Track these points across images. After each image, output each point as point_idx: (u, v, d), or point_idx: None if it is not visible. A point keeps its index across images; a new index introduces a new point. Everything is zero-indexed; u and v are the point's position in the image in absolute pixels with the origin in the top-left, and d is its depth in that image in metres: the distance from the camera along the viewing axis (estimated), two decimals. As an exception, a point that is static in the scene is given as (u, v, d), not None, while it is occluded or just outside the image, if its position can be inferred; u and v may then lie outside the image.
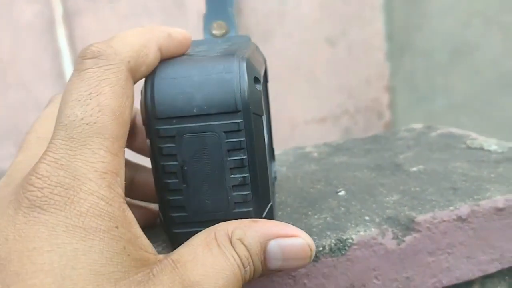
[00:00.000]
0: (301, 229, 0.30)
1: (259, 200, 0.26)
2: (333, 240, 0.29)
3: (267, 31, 1.37)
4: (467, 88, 1.33)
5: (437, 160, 0.40)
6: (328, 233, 0.30)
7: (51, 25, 1.14)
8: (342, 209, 0.33)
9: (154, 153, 0.25)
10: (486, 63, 1.27)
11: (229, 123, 0.24)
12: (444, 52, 1.36)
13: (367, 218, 0.31)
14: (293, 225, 0.31)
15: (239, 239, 0.23)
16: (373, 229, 0.30)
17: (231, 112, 0.24)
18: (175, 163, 0.25)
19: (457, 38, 1.31)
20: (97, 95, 0.22)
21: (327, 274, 0.29)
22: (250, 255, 0.23)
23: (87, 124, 0.22)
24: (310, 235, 0.29)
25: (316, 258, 0.28)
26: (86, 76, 0.22)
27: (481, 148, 0.41)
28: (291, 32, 1.40)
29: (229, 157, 0.25)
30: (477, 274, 0.33)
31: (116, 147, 0.22)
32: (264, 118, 0.27)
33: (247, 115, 0.24)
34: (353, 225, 0.30)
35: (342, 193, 0.35)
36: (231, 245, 0.23)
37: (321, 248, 0.29)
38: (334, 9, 1.42)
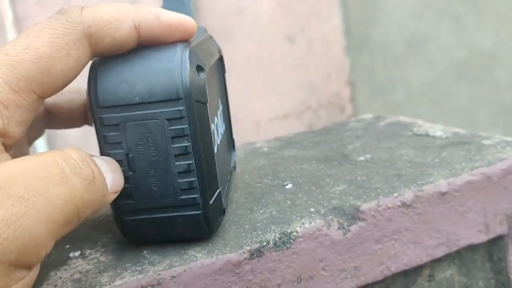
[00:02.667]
0: (246, 224, 0.30)
1: (206, 187, 0.26)
2: (277, 234, 0.29)
3: (226, 30, 1.37)
4: (423, 79, 1.36)
5: (384, 148, 0.40)
6: (273, 227, 0.29)
7: (1, 30, 1.10)
8: (288, 202, 0.32)
9: (99, 142, 0.25)
10: (439, 54, 1.30)
11: (171, 110, 0.25)
12: (399, 44, 1.38)
13: (312, 209, 0.31)
14: (237, 221, 0.30)
15: (62, 151, 0.23)
16: (318, 221, 0.30)
17: (173, 99, 0.24)
18: (120, 151, 0.25)
19: (411, 30, 1.34)
20: (33, 37, 0.22)
21: (272, 268, 0.28)
22: (74, 158, 0.22)
23: (6, 54, 0.22)
24: (255, 230, 0.29)
25: (260, 253, 0.28)
26: (40, 24, 0.23)
27: (427, 135, 0.42)
28: (250, 31, 1.40)
29: (173, 144, 0.25)
30: (425, 259, 0.33)
31: (22, 86, 0.22)
32: (208, 106, 0.26)
33: (189, 103, 0.25)
34: (298, 218, 0.30)
35: (289, 186, 0.35)
36: (51, 154, 0.22)
37: (265, 243, 0.28)
38: (291, 6, 1.42)
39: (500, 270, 0.37)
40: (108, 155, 0.25)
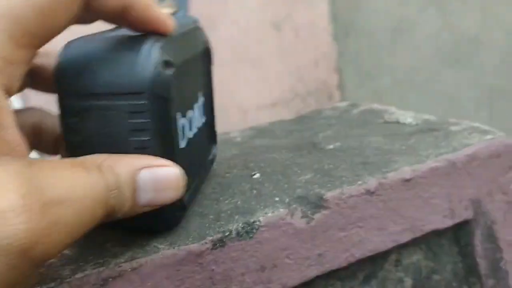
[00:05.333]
0: (210, 215, 0.30)
1: None
2: (240, 224, 0.29)
3: (212, 19, 1.36)
4: (409, 64, 1.36)
5: (354, 136, 0.40)
6: (236, 217, 0.30)
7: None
8: (254, 191, 0.33)
9: (62, 127, 0.26)
10: (425, 39, 1.30)
11: (132, 104, 0.24)
12: (386, 30, 1.38)
13: (277, 199, 0.31)
14: (202, 212, 0.31)
15: (109, 166, 0.23)
16: (281, 210, 0.30)
17: (135, 93, 0.24)
18: (80, 138, 0.25)
19: (396, 16, 1.33)
20: None
21: (235, 258, 0.29)
22: (119, 182, 0.23)
23: (8, 4, 0.21)
24: (219, 220, 0.29)
25: (223, 243, 0.28)
26: None
27: (397, 122, 0.42)
28: (236, 19, 1.39)
29: (132, 137, 0.25)
30: (390, 244, 0.33)
31: (25, 41, 0.21)
32: (173, 101, 0.26)
33: (151, 98, 0.24)
34: (262, 207, 0.30)
35: (257, 176, 0.35)
36: (99, 169, 0.22)
37: (227, 233, 0.28)
38: (277, -7, 1.41)
39: (467, 254, 0.37)
40: (69, 142, 0.26)
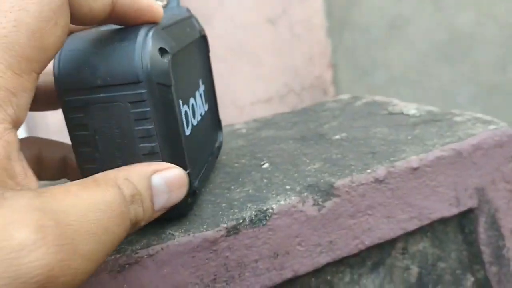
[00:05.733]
0: (223, 203, 0.31)
1: None
2: (253, 212, 0.29)
3: (207, 14, 1.35)
4: (404, 61, 1.37)
5: (359, 127, 0.41)
6: (249, 205, 0.30)
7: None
8: (265, 180, 0.33)
9: (67, 124, 0.26)
10: (420, 35, 1.31)
11: (132, 93, 0.25)
12: (381, 26, 1.39)
13: (288, 187, 0.32)
14: (214, 200, 0.31)
15: (126, 179, 0.23)
16: (293, 198, 0.30)
17: (133, 82, 0.25)
18: (86, 132, 0.26)
19: (392, 12, 1.34)
20: (18, 10, 0.21)
21: (249, 245, 0.29)
22: (139, 191, 0.23)
23: None
24: (232, 208, 0.30)
25: (237, 230, 0.29)
26: None
27: (401, 113, 0.43)
28: (232, 15, 1.39)
29: (137, 126, 0.25)
30: (398, 232, 0.34)
31: (24, 68, 0.21)
32: (173, 88, 0.26)
33: (150, 86, 0.25)
34: (274, 195, 0.31)
35: (266, 165, 0.35)
36: (114, 183, 0.22)
37: (241, 220, 0.29)
38: (272, -11, 1.41)
39: (471, 242, 0.38)
40: (74, 137, 0.26)
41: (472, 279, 0.39)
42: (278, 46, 1.45)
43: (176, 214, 0.29)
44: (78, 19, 0.24)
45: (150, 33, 0.25)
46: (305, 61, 1.50)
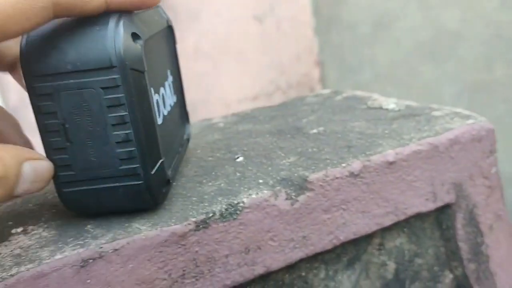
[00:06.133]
0: (193, 197, 0.30)
1: (146, 157, 0.26)
2: (223, 205, 0.28)
3: (194, 10, 1.34)
4: (390, 58, 1.37)
5: (338, 121, 0.40)
6: (220, 198, 0.29)
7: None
8: (238, 174, 0.32)
9: (34, 112, 0.25)
10: (406, 33, 1.31)
11: (105, 79, 0.24)
12: (367, 24, 1.39)
13: (261, 181, 0.31)
14: (185, 194, 0.30)
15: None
16: (265, 191, 0.30)
17: (106, 68, 0.24)
18: (56, 121, 0.25)
19: (378, 10, 1.34)
20: None
21: (219, 239, 0.28)
22: (7, 175, 0.23)
23: None
24: (202, 202, 0.29)
25: (206, 225, 0.28)
26: None
27: (380, 108, 0.42)
28: (219, 11, 1.38)
29: (110, 113, 0.25)
30: (374, 227, 0.34)
31: None
32: (146, 74, 0.26)
33: (124, 71, 0.24)
34: (246, 189, 0.30)
35: (240, 159, 0.35)
36: None
37: (211, 214, 0.28)
38: (259, -15, 1.41)
39: (449, 238, 0.38)
40: (43, 125, 0.25)
41: (451, 275, 0.39)
42: (265, 43, 1.44)
43: (151, 204, 0.28)
44: (67, 16, 0.24)
45: (122, 19, 0.25)
46: (292, 59, 1.49)
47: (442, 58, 1.27)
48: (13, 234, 0.28)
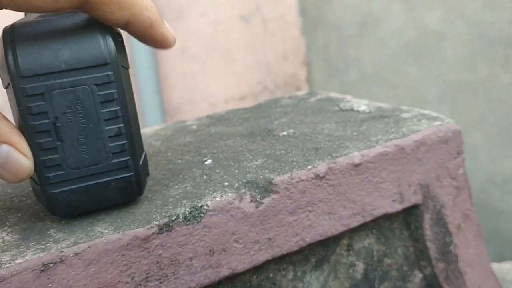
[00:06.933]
0: (158, 200, 0.30)
1: (135, 149, 0.27)
2: (187, 209, 0.29)
3: (180, 10, 1.34)
4: (375, 59, 1.38)
5: (308, 123, 0.40)
6: (184, 201, 0.29)
7: None
8: (205, 177, 0.32)
9: (22, 113, 0.25)
10: (390, 34, 1.32)
11: (99, 75, 0.25)
12: (353, 24, 1.39)
13: (226, 184, 0.31)
14: (150, 197, 0.30)
15: None
16: (230, 194, 0.30)
17: (101, 65, 0.25)
18: (46, 121, 0.25)
19: (363, 10, 1.35)
20: None
21: (183, 242, 0.28)
22: None
23: None
24: (166, 205, 0.29)
25: (170, 228, 0.28)
26: None
27: (351, 109, 0.42)
28: (205, 11, 1.38)
29: (103, 109, 0.25)
30: (341, 229, 0.34)
31: None
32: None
33: (116, 67, 0.25)
34: (210, 192, 0.30)
35: (208, 161, 0.35)
36: None
37: (174, 217, 0.28)
38: (245, -15, 1.41)
39: (417, 238, 0.38)
40: (32, 126, 0.25)
41: (420, 275, 0.39)
42: (252, 44, 1.45)
43: (136, 197, 0.29)
44: (96, 17, 0.25)
45: None
46: (278, 59, 1.50)
47: (426, 58, 1.28)
48: (-24, 239, 0.28)
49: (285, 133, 0.39)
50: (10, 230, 0.28)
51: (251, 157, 0.35)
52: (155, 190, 0.31)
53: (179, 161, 0.36)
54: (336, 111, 0.43)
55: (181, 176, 0.33)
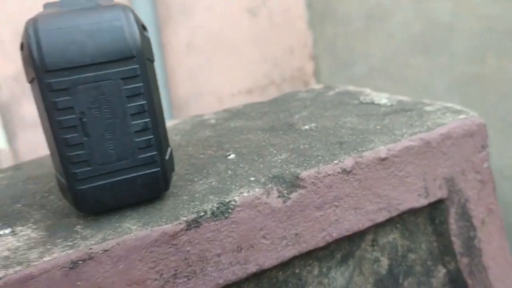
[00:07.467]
0: (184, 196, 0.30)
1: (161, 144, 0.27)
2: (215, 204, 0.28)
3: (188, 5, 1.33)
4: (383, 52, 1.37)
5: (330, 117, 0.40)
6: (211, 197, 0.29)
7: None
8: (229, 172, 0.32)
9: (47, 109, 0.24)
10: (398, 27, 1.31)
11: (126, 69, 0.24)
12: (361, 18, 1.38)
13: (252, 179, 0.31)
14: (176, 193, 0.30)
15: None
16: (257, 189, 0.29)
17: (127, 58, 0.24)
18: (72, 116, 0.24)
19: (371, 3, 1.34)
20: None
21: (211, 238, 0.28)
22: None
23: None
24: (193, 200, 0.29)
25: (198, 224, 0.28)
26: None
27: (372, 103, 0.42)
28: (212, 5, 1.37)
29: (129, 103, 0.25)
30: (367, 224, 0.33)
31: None
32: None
33: (142, 61, 0.25)
34: (237, 187, 0.30)
35: (232, 156, 0.34)
36: None
37: (202, 213, 0.28)
38: (252, -21, 1.40)
39: (442, 233, 0.38)
40: (59, 122, 0.24)
41: (444, 270, 0.39)
42: (258, 37, 1.44)
43: (161, 192, 0.29)
44: None
45: (130, 11, 0.25)
46: (285, 53, 1.49)
47: (435, 51, 1.27)
48: (0, 236, 0.28)
49: (307, 127, 0.38)
50: (35, 227, 0.28)
51: (274, 151, 0.34)
52: (180, 185, 0.31)
53: (201, 155, 0.35)
54: (357, 105, 0.42)
55: (205, 171, 0.33)
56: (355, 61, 1.44)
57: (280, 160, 0.33)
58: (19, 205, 0.31)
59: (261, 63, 1.47)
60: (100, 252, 0.25)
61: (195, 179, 0.32)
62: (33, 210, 0.30)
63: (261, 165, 0.32)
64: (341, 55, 1.46)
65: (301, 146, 0.34)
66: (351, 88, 0.48)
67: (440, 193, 0.36)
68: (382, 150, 0.33)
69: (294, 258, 0.32)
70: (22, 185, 0.34)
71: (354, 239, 0.35)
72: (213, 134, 0.40)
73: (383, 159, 0.33)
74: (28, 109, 0.97)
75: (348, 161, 0.32)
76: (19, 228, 0.28)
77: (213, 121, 0.44)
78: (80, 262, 0.25)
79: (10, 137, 1.00)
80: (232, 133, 0.39)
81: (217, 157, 0.34)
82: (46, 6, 0.28)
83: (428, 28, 1.25)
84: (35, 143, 0.97)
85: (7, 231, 0.28)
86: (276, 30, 1.47)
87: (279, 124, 0.40)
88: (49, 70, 0.24)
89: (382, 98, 0.42)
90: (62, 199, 0.31)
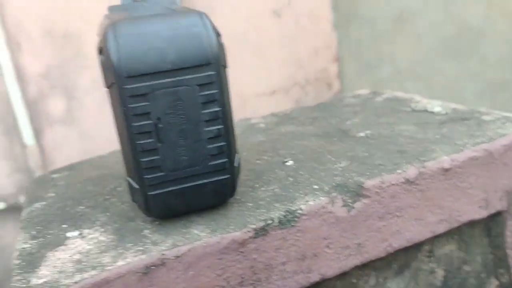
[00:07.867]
0: (248, 202, 0.29)
1: (232, 151, 0.27)
2: (282, 212, 0.28)
3: (212, 5, 1.33)
4: (410, 55, 1.36)
5: (384, 124, 0.39)
6: (277, 205, 0.29)
7: None
8: (290, 179, 0.32)
9: (126, 114, 0.24)
10: (427, 29, 1.29)
11: (202, 76, 0.24)
12: (387, 20, 1.37)
13: (315, 187, 0.30)
14: (239, 199, 0.30)
15: None
16: (322, 198, 0.29)
17: (204, 65, 0.24)
18: (149, 122, 0.25)
19: (399, 5, 1.32)
20: None
21: (277, 247, 0.28)
22: None
23: None
24: (258, 208, 0.28)
25: (265, 232, 0.27)
26: None
27: (425, 110, 0.41)
28: (237, 5, 1.37)
29: (204, 109, 0.25)
30: (427, 235, 0.33)
31: None
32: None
33: (218, 68, 0.25)
34: (301, 195, 0.29)
35: (290, 163, 0.34)
36: None
37: (270, 221, 0.27)
38: (278, -21, 1.39)
39: (498, 245, 0.37)
40: (135, 127, 0.24)
41: (496, 282, 0.38)
42: (283, 38, 1.43)
43: (226, 198, 0.29)
44: None
45: (207, 17, 0.25)
46: (310, 54, 1.48)
47: (465, 55, 1.25)
48: (69, 238, 0.28)
49: (362, 134, 0.38)
50: (103, 230, 0.28)
51: (333, 159, 0.34)
52: (242, 192, 0.31)
53: (258, 161, 0.35)
54: (410, 112, 0.42)
55: (264, 177, 0.32)
56: (380, 63, 1.43)
57: (341, 168, 0.32)
58: (82, 207, 0.31)
59: (286, 64, 1.46)
60: (172, 258, 0.25)
61: (256, 185, 0.31)
62: (97, 212, 0.30)
63: (322, 173, 0.32)
64: (366, 57, 1.45)
65: (360, 154, 0.34)
66: (399, 94, 0.47)
67: (500, 205, 0.35)
68: (445, 161, 0.32)
69: (353, 268, 0.31)
70: (81, 186, 0.34)
71: (411, 249, 0.34)
72: (265, 139, 0.39)
73: (447, 170, 0.32)
74: (54, 105, 0.98)
75: (411, 171, 0.31)
76: (86, 230, 0.28)
77: (262, 125, 0.43)
78: (153, 267, 0.25)
79: (37, 134, 1.01)
80: (285, 138, 0.39)
81: (274, 163, 0.34)
82: (111, 9, 0.28)
83: (458, 31, 1.23)
84: (61, 140, 0.98)
85: (76, 233, 0.28)
86: (300, 31, 1.47)
87: (332, 130, 0.40)
88: (127, 76, 0.24)
89: (435, 106, 0.42)
90: (124, 202, 0.31)
